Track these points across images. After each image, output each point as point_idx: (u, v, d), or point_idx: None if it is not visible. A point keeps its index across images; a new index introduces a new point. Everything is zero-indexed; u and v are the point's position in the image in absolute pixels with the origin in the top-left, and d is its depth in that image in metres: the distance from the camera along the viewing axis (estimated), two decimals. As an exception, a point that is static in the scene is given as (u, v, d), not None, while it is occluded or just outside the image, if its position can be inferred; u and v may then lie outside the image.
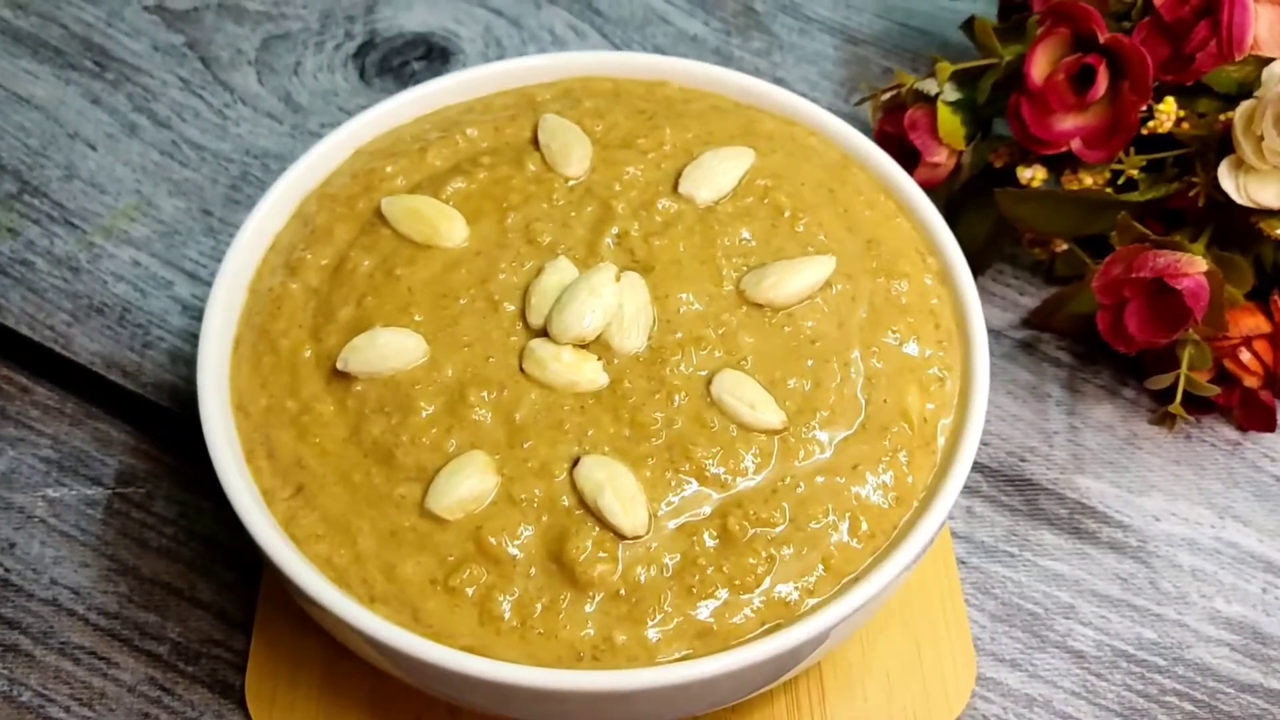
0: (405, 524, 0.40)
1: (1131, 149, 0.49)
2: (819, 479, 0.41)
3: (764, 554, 0.39)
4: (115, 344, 0.55)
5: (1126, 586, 0.49)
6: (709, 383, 0.42)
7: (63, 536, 0.50)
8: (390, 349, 0.42)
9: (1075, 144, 0.50)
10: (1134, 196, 0.49)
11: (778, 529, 0.40)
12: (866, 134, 0.49)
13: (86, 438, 0.53)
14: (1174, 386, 0.49)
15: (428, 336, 0.43)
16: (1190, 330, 0.47)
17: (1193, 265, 0.46)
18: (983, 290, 0.57)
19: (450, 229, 0.45)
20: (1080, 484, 0.52)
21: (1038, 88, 0.49)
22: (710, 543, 0.39)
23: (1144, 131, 0.49)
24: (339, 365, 0.42)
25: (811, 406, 0.42)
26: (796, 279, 0.44)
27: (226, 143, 0.63)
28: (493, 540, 0.39)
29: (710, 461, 0.40)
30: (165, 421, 0.53)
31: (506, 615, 0.38)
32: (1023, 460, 0.52)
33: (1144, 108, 0.48)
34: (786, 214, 0.46)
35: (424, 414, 0.41)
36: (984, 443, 0.53)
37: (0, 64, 0.65)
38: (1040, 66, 0.49)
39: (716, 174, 0.47)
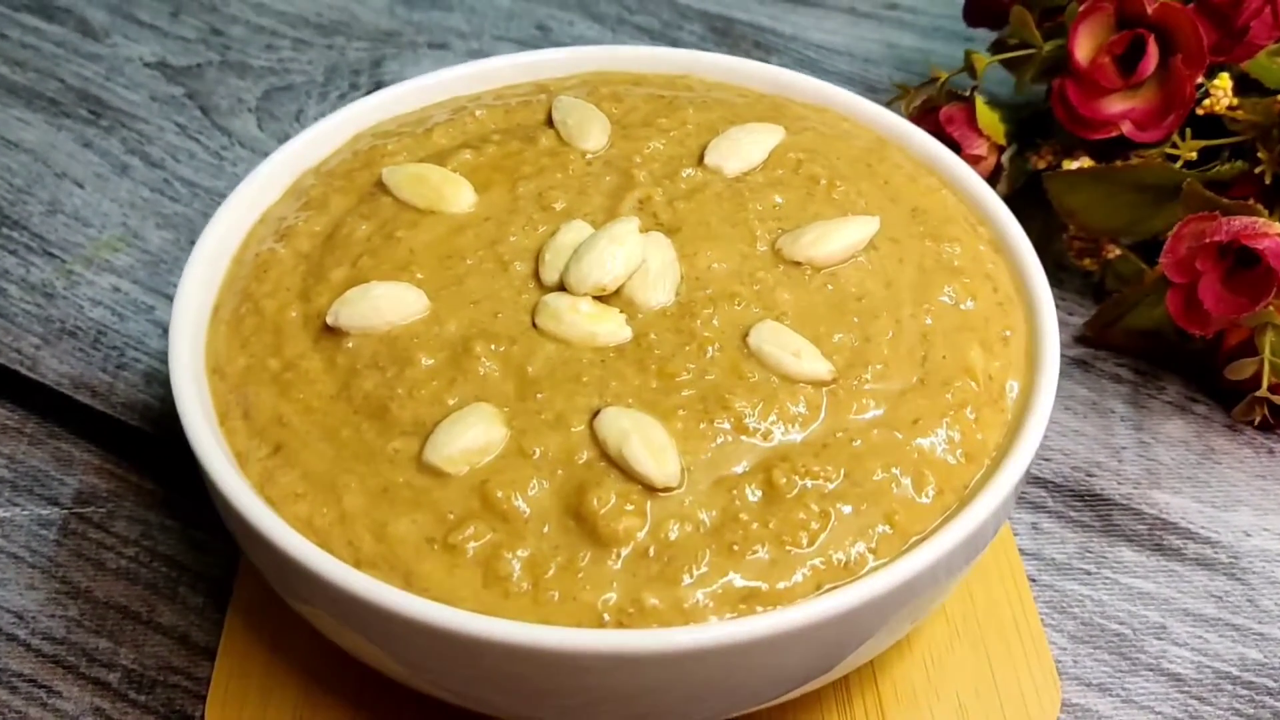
0: (399, 479, 0.34)
1: (1188, 131, 0.46)
2: (875, 433, 0.36)
3: (817, 510, 0.34)
4: (86, 366, 0.51)
5: (1223, 605, 0.43)
6: (745, 335, 0.37)
7: (10, 558, 0.44)
8: (386, 301, 0.38)
9: (1126, 126, 0.46)
10: (1196, 175, 0.45)
11: (832, 484, 0.34)
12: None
13: (46, 457, 0.47)
14: (1257, 377, 0.44)
15: (429, 293, 0.38)
16: (1273, 309, 0.43)
17: (1271, 227, 0.41)
18: (1029, 312, 0.53)
19: (456, 195, 0.41)
20: (1158, 499, 0.46)
21: (1083, 68, 0.46)
22: (754, 498, 0.34)
23: (1199, 111, 0.46)
24: (329, 320, 0.37)
25: (863, 360, 0.37)
26: (838, 237, 0.40)
27: (222, 180, 0.59)
28: (500, 494, 0.33)
29: (751, 413, 0.35)
30: (133, 440, 0.48)
31: (515, 576, 0.32)
32: (1090, 475, 0.47)
33: (1199, 81, 0.45)
34: (823, 182, 0.42)
35: (423, 366, 0.36)
36: (1044, 458, 0.48)
37: (-9, 112, 0.63)
38: (1084, 46, 0.46)
39: (745, 146, 0.43)
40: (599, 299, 0.38)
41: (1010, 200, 0.52)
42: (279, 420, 0.36)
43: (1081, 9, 0.46)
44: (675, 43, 0.68)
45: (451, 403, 0.36)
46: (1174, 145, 0.46)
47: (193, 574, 0.44)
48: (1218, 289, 0.43)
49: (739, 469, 0.35)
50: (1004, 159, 0.51)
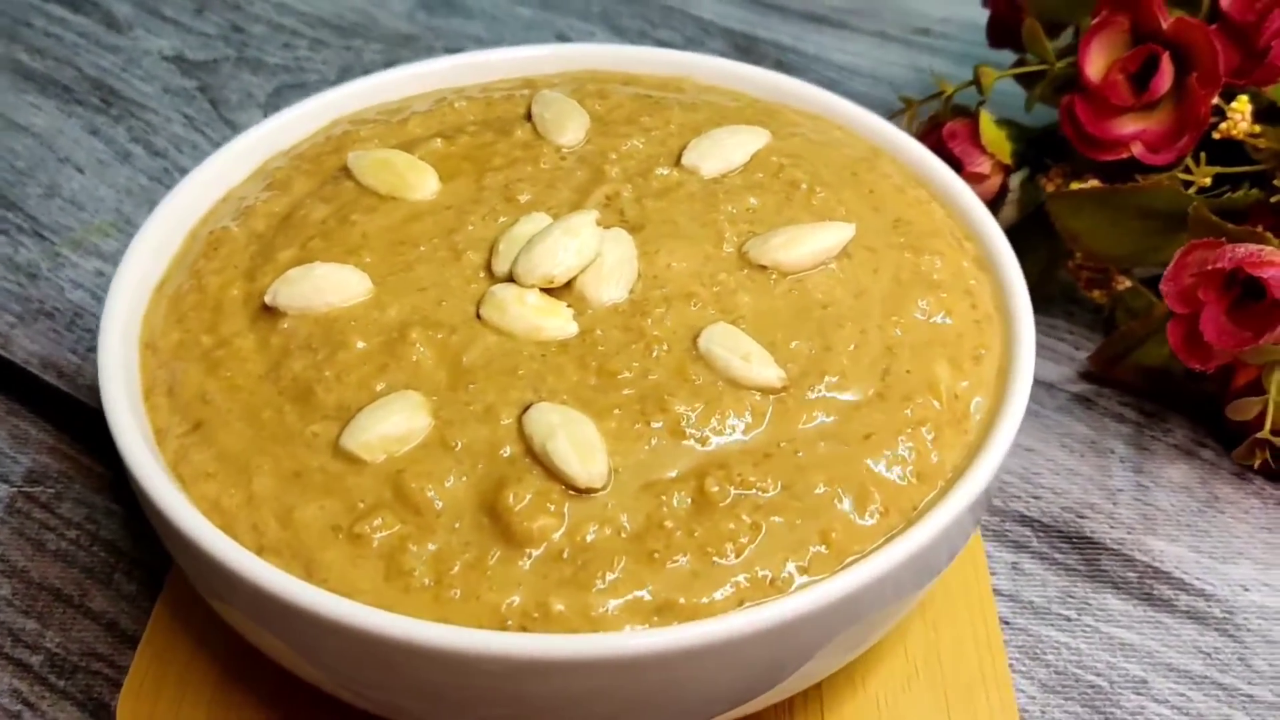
0: (313, 464, 0.33)
1: (1203, 156, 0.43)
2: (822, 445, 0.33)
3: (748, 521, 0.31)
4: (57, 347, 0.50)
5: (1211, 662, 0.40)
6: (696, 337, 0.35)
7: (-50, 532, 0.43)
8: (328, 282, 0.36)
9: (1137, 147, 0.44)
10: (1203, 200, 0.42)
11: (767, 495, 0.32)
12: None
13: (3, 434, 0.46)
14: (1262, 418, 0.41)
15: (375, 278, 0.37)
16: (1276, 341, 0.40)
17: (1278, 255, 0.39)
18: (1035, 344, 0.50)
19: (420, 182, 0.40)
20: (1152, 546, 0.43)
21: (1094, 85, 0.44)
22: (683, 505, 0.32)
23: (1215, 135, 0.43)
24: (267, 299, 0.36)
25: (819, 369, 0.35)
26: (808, 242, 0.38)
27: (220, 172, 0.59)
28: (414, 485, 0.32)
29: (689, 416, 0.33)
30: (91, 424, 0.47)
31: (418, 571, 0.30)
32: (1080, 517, 0.44)
33: (1214, 101, 0.42)
34: (803, 188, 0.40)
35: (356, 350, 0.35)
36: (1034, 495, 0.45)
37: (6, 96, 0.63)
38: (1096, 63, 0.44)
39: (726, 147, 0.42)
40: (549, 293, 0.36)
41: (1020, 225, 0.50)
42: (202, 398, 0.35)
43: (1094, 22, 0.44)
44: (696, 59, 0.67)
45: (379, 389, 0.34)
46: (1188, 170, 0.44)
47: (130, 561, 0.42)
48: (1221, 321, 0.40)
49: (671, 474, 0.32)
50: (1012, 181, 0.49)
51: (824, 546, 0.31)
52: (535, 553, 0.31)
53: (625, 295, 0.36)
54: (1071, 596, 0.41)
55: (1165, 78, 0.43)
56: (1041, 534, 0.43)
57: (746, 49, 0.68)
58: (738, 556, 0.31)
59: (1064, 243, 0.46)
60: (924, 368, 0.35)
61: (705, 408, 0.33)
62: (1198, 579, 0.42)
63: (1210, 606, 0.41)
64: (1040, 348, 0.50)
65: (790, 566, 0.31)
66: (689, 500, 0.32)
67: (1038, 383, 0.49)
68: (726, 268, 0.38)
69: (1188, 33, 0.42)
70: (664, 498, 0.32)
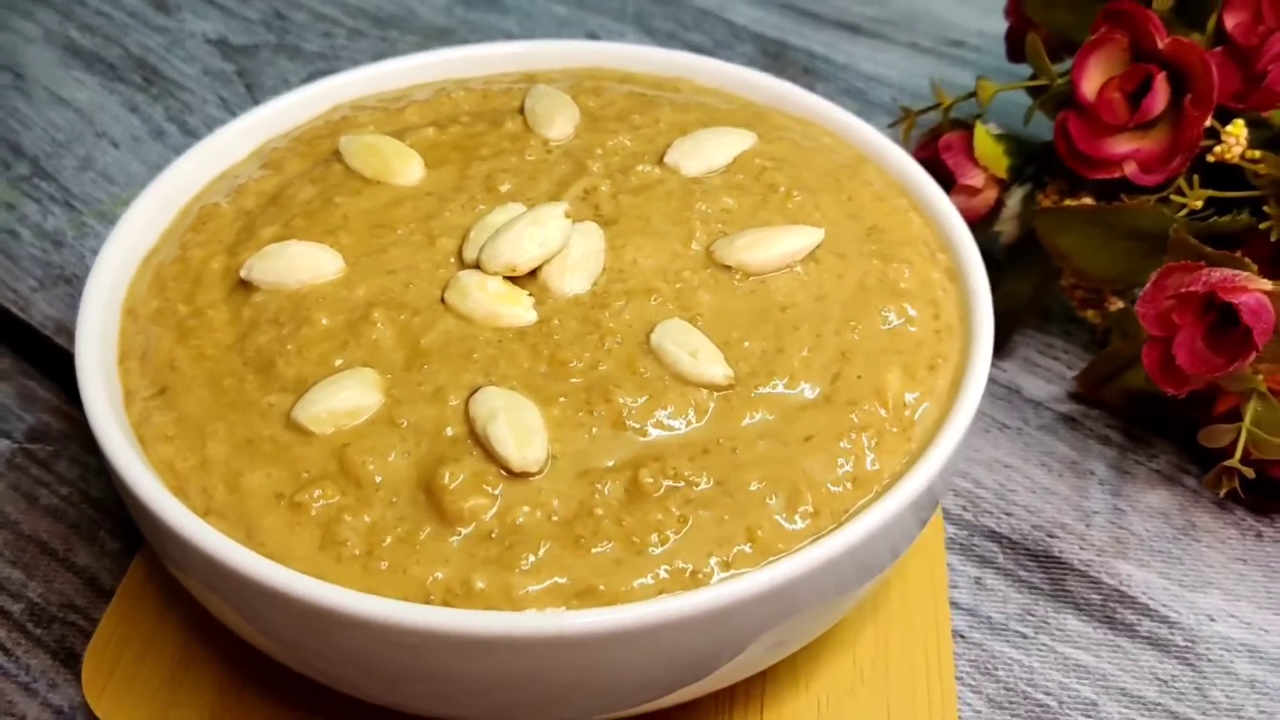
0: (265, 433, 0.34)
1: (1195, 179, 0.43)
2: (761, 444, 0.34)
3: (676, 513, 0.32)
4: (72, 312, 0.52)
5: (1166, 690, 0.39)
6: (650, 332, 0.36)
7: (-48, 483, 0.45)
8: (301, 260, 0.37)
9: (1130, 167, 0.43)
10: (1183, 222, 0.42)
11: (699, 489, 0.32)
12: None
13: (11, 392, 0.48)
14: (1234, 446, 0.40)
15: (348, 258, 0.38)
16: (1253, 369, 0.39)
17: (1254, 281, 0.38)
18: (1027, 361, 0.50)
19: (405, 168, 0.41)
20: (1120, 570, 0.42)
21: (1089, 102, 0.44)
22: (615, 494, 0.32)
23: (1209, 159, 0.43)
24: (242, 273, 0.37)
25: (768, 370, 0.35)
26: (775, 245, 0.38)
27: (246, 152, 0.61)
28: (358, 459, 0.33)
29: (632, 407, 0.34)
30: (97, 386, 0.48)
31: (350, 541, 0.31)
32: (1051, 536, 0.44)
33: (1207, 123, 0.42)
34: (781, 191, 0.41)
35: (320, 326, 0.36)
36: (1006, 512, 0.44)
37: (54, 71, 0.66)
38: (1093, 78, 0.44)
39: (709, 148, 0.42)
40: (514, 281, 0.37)
41: (1020, 241, 0.50)
42: (170, 364, 0.36)
43: (1092, 39, 0.44)
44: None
45: (337, 364, 0.35)
46: (1181, 192, 0.43)
47: (115, 520, 0.44)
48: (1197, 345, 0.39)
49: (609, 463, 0.33)
50: (1010, 196, 0.48)
51: (749, 544, 0.32)
52: (465, 531, 0.32)
53: (587, 287, 0.37)
54: (1031, 614, 0.41)
55: (1159, 98, 0.42)
56: (1009, 550, 0.43)
57: (775, 55, 0.68)
58: (662, 547, 0.31)
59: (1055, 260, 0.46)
60: (875, 374, 0.35)
61: (649, 401, 0.34)
62: (1163, 605, 0.41)
63: (1173, 634, 0.41)
64: (1031, 365, 0.50)
65: (713, 561, 0.31)
66: (622, 490, 0.32)
67: (1024, 399, 0.48)
68: (691, 266, 0.38)
69: (1184, 54, 0.42)
70: (598, 485, 0.32)
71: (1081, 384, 0.47)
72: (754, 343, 0.36)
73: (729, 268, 0.38)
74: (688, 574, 0.31)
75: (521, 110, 0.44)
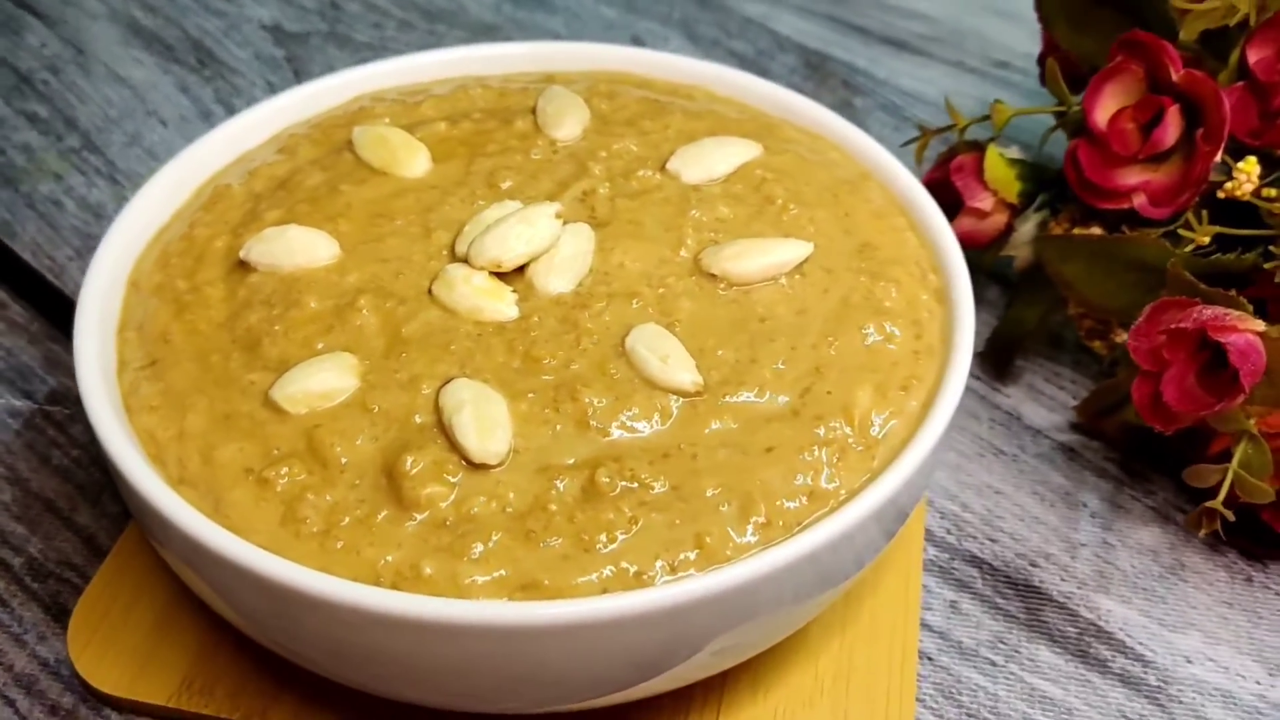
0: (243, 409, 0.35)
1: (1204, 214, 0.42)
2: (722, 452, 0.34)
3: (628, 514, 0.32)
4: (104, 281, 0.54)
5: (1132, 728, 0.39)
6: (626, 336, 0.36)
7: (-29, 438, 0.47)
8: (298, 244, 0.39)
9: (1139, 199, 0.43)
10: (1197, 260, 0.41)
11: (654, 491, 0.33)
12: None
13: (37, 356, 0.50)
14: (1219, 487, 0.40)
15: (345, 245, 0.39)
16: (1242, 409, 0.38)
17: (1245, 322, 0.37)
18: (1031, 389, 0.49)
19: (412, 160, 0.42)
20: (1100, 604, 0.42)
21: (1100, 130, 0.43)
22: (571, 491, 0.33)
23: (1220, 195, 0.42)
24: (242, 254, 0.39)
25: (738, 379, 0.35)
26: (761, 256, 0.38)
27: (286, 137, 0.62)
28: (327, 441, 0.34)
29: (598, 406, 0.34)
30: (117, 354, 0.50)
31: (310, 519, 0.32)
32: (1034, 565, 0.43)
33: (1218, 158, 0.41)
34: (777, 203, 0.41)
35: (308, 309, 0.37)
36: (990, 538, 0.44)
37: (114, 48, 0.68)
38: (1105, 107, 0.43)
39: (711, 157, 0.42)
40: (501, 277, 0.38)
41: (1033, 268, 0.49)
42: (164, 337, 0.37)
43: (1107, 68, 0.43)
44: (764, 72, 0.67)
45: (319, 347, 0.36)
46: (1188, 226, 0.42)
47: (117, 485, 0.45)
48: (1187, 383, 0.39)
49: (569, 461, 0.34)
50: (1021, 221, 0.48)
51: (696, 550, 0.32)
52: (421, 517, 0.32)
53: (571, 287, 0.38)
54: (1003, 642, 0.41)
55: (1171, 130, 0.42)
56: (989, 577, 0.43)
57: (816, 66, 0.68)
58: (610, 547, 0.32)
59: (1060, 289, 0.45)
60: (846, 390, 0.36)
61: (615, 402, 0.35)
62: (1140, 643, 0.41)
63: (1146, 673, 0.40)
64: (1036, 393, 0.49)
65: (659, 564, 0.32)
66: (579, 488, 0.33)
67: (1024, 426, 0.48)
68: (677, 272, 0.38)
69: (1197, 87, 0.41)
70: (556, 482, 0.33)
71: (1082, 414, 0.47)
72: (728, 352, 0.36)
73: (714, 276, 0.38)
74: (632, 574, 0.32)
75: (534, 110, 0.45)
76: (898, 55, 0.69)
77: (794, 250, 0.39)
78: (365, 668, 0.33)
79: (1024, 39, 0.70)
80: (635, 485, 0.33)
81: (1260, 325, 0.37)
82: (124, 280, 0.40)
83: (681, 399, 0.35)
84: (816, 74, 0.68)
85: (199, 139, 0.44)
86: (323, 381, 0.35)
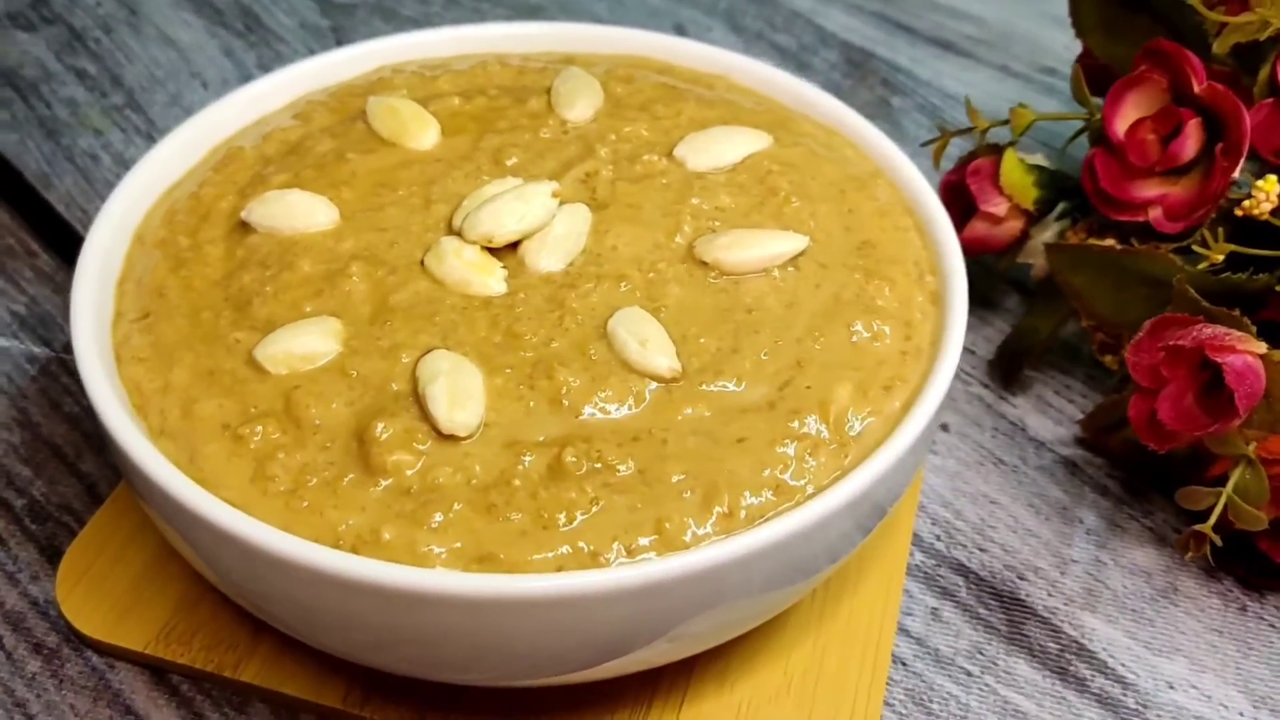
0: (226, 366, 0.35)
1: (1220, 231, 0.41)
2: (692, 439, 0.34)
3: (590, 494, 0.32)
4: (131, 237, 0.55)
5: (1103, 749, 0.38)
6: (610, 317, 0.36)
7: (-11, 380, 0.48)
8: (299, 209, 0.39)
9: (1155, 212, 0.42)
10: (1207, 277, 0.40)
11: (619, 473, 0.33)
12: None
13: (61, 305, 0.51)
14: (1211, 511, 0.39)
15: (344, 212, 0.40)
16: (1240, 433, 0.37)
17: (1246, 343, 0.36)
18: (1040, 400, 0.48)
19: (421, 133, 0.42)
20: (1085, 622, 0.41)
21: (1118, 140, 0.42)
22: (537, 467, 0.33)
23: (1237, 213, 0.41)
24: (243, 215, 0.39)
25: (716, 368, 0.35)
26: (755, 247, 0.38)
27: (323, 106, 0.63)
28: (303, 402, 0.34)
29: (572, 386, 0.34)
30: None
31: (279, 478, 0.33)
32: (1021, 578, 0.42)
33: (1236, 174, 0.40)
34: (780, 195, 0.41)
35: (301, 272, 0.37)
36: (980, 547, 0.43)
37: (165, 9, 0.69)
38: (1125, 117, 0.42)
39: (720, 145, 0.42)
40: (493, 253, 0.38)
41: (1049, 278, 0.48)
42: (160, 291, 0.38)
43: (1129, 76, 0.42)
44: (805, 67, 0.67)
45: (307, 310, 0.37)
46: (1203, 243, 0.41)
47: (124, 434, 0.46)
48: (1185, 402, 0.38)
49: (539, 438, 0.34)
50: (1035, 228, 0.47)
51: (655, 535, 0.32)
52: (386, 483, 0.33)
53: (561, 267, 0.38)
54: (981, 654, 0.40)
55: (1189, 143, 0.41)
56: (974, 586, 0.42)
57: (858, 64, 0.67)
58: (569, 526, 0.32)
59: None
60: (825, 387, 0.35)
61: (590, 383, 0.35)
62: (1122, 665, 0.40)
63: (1125, 695, 0.39)
64: (1044, 404, 0.48)
65: (616, 546, 0.32)
66: (545, 465, 0.33)
67: (1028, 438, 0.47)
68: (669, 258, 0.38)
69: (1219, 100, 0.40)
70: (523, 457, 0.33)
71: (1086, 429, 0.46)
72: (710, 340, 0.36)
73: (706, 264, 0.38)
74: (587, 554, 0.32)
75: (549, 90, 0.45)
76: (943, 56, 0.69)
77: (789, 243, 0.38)
78: (322, 628, 0.34)
79: (1075, 45, 0.69)
80: (600, 466, 0.33)
81: (1261, 347, 0.36)
82: (130, 232, 0.40)
83: (657, 384, 0.35)
84: (857, 71, 0.67)
85: (219, 100, 0.45)
86: (305, 344, 0.35)
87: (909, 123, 0.63)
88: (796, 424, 0.34)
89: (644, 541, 0.32)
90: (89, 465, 0.45)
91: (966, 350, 0.50)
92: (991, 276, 0.52)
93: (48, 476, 0.45)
